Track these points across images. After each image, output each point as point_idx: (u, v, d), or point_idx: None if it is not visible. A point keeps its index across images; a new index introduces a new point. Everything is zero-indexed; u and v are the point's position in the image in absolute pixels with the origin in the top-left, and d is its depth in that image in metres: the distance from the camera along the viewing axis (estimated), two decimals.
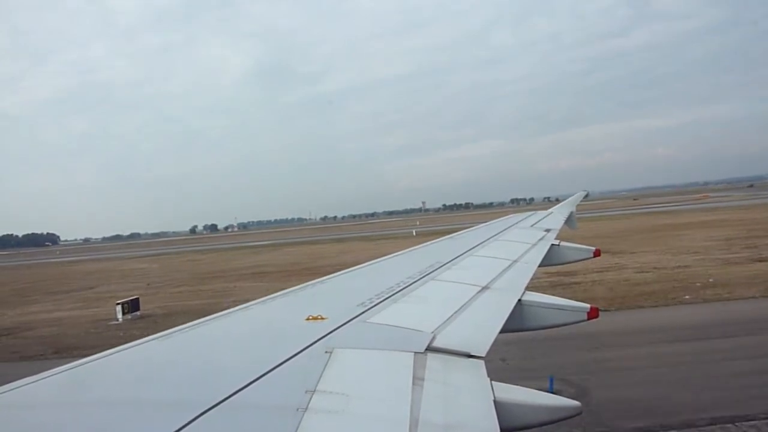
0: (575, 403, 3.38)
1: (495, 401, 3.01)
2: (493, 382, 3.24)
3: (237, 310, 5.04)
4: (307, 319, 4.36)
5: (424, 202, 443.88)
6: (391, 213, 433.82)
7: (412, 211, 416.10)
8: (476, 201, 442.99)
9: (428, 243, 11.25)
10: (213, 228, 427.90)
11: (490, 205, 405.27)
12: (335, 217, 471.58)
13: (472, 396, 3.11)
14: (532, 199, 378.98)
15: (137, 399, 2.99)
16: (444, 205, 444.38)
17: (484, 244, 10.15)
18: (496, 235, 11.76)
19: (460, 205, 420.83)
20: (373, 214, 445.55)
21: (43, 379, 3.22)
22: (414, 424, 2.62)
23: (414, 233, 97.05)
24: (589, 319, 5.61)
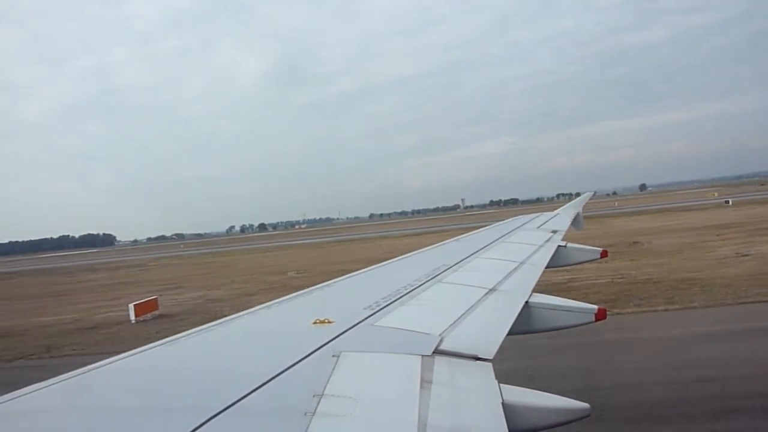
0: (584, 405, 3.36)
1: (503, 404, 3.00)
2: (501, 384, 3.23)
3: (244, 314, 5.04)
4: (314, 322, 4.36)
5: (463, 199, 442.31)
6: (436, 210, 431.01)
7: (449, 208, 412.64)
8: (520, 197, 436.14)
9: (435, 245, 11.21)
10: (262, 227, 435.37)
11: (537, 200, 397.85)
12: (378, 215, 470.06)
13: (480, 399, 3.10)
14: (578, 194, 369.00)
15: (145, 405, 3.02)
16: (491, 200, 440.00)
17: (490, 246, 10.15)
18: (502, 236, 11.75)
19: (507, 200, 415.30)
20: (419, 211, 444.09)
21: (50, 385, 3.23)
22: (422, 427, 2.61)
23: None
24: (596, 320, 5.55)
